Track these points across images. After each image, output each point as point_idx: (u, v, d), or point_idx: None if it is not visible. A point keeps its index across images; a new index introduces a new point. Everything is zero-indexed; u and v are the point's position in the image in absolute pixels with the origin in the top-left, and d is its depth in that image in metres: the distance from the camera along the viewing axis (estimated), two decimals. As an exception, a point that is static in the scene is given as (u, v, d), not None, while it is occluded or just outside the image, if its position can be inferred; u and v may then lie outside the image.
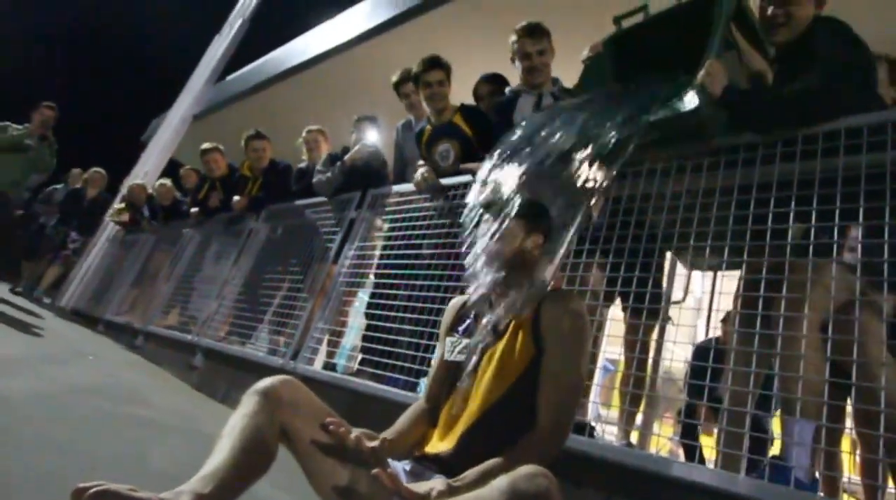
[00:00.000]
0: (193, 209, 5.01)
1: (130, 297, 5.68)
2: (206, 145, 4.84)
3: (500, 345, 1.31)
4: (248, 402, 1.16)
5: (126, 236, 6.61)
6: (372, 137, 3.37)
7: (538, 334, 1.28)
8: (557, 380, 1.23)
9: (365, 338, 2.58)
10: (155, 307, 4.80)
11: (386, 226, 3.01)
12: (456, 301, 1.57)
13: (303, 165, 4.02)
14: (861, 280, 1.50)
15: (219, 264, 4.42)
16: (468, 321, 1.45)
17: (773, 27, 1.86)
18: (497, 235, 1.39)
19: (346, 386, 2.47)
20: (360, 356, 2.65)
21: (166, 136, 8.11)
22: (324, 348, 2.94)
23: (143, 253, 5.90)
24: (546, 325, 1.28)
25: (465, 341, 1.40)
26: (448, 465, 1.19)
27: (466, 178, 2.55)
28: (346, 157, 3.30)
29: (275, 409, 1.16)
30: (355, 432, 1.18)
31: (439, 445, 1.28)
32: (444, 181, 2.67)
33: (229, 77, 8.44)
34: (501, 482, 0.88)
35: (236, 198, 4.34)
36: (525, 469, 0.90)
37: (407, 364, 2.25)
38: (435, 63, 2.73)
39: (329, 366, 2.82)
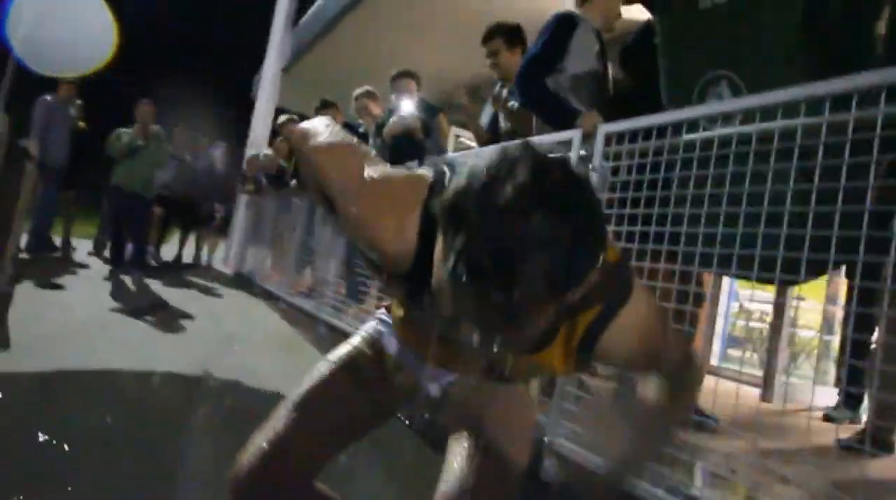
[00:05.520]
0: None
1: (269, 261, 6.40)
2: (281, 118, 5.00)
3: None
4: None
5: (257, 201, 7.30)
6: (407, 106, 3.17)
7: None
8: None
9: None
10: (287, 272, 5.37)
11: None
12: None
13: (361, 129, 3.99)
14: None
15: (325, 232, 4.73)
16: None
17: None
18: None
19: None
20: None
21: (265, 96, 8.49)
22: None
23: (269, 218, 6.51)
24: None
25: None
26: None
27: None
28: (384, 132, 3.22)
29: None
30: None
31: None
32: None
33: (302, 20, 8.36)
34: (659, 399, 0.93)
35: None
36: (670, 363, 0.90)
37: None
38: (491, 34, 2.77)
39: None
